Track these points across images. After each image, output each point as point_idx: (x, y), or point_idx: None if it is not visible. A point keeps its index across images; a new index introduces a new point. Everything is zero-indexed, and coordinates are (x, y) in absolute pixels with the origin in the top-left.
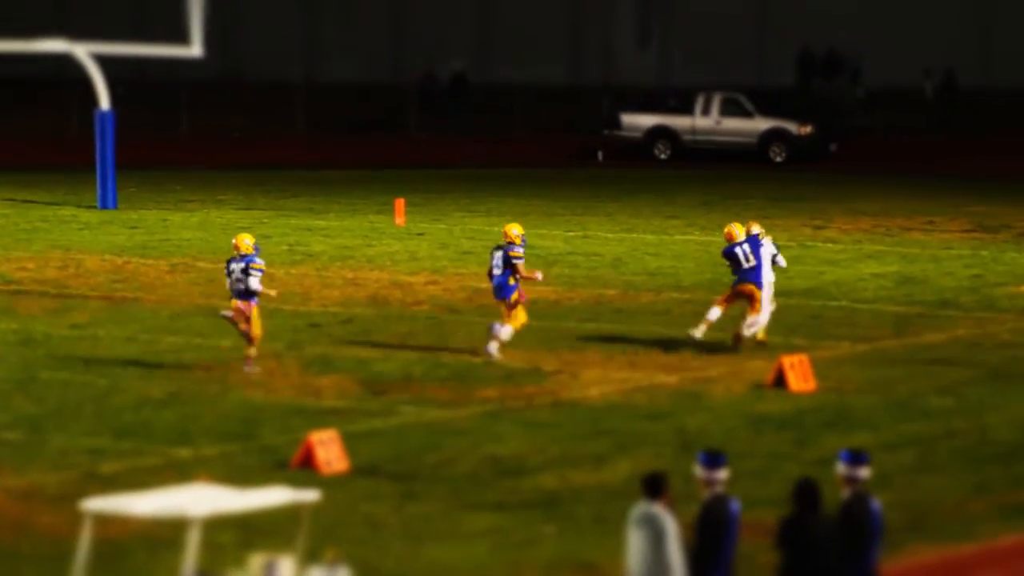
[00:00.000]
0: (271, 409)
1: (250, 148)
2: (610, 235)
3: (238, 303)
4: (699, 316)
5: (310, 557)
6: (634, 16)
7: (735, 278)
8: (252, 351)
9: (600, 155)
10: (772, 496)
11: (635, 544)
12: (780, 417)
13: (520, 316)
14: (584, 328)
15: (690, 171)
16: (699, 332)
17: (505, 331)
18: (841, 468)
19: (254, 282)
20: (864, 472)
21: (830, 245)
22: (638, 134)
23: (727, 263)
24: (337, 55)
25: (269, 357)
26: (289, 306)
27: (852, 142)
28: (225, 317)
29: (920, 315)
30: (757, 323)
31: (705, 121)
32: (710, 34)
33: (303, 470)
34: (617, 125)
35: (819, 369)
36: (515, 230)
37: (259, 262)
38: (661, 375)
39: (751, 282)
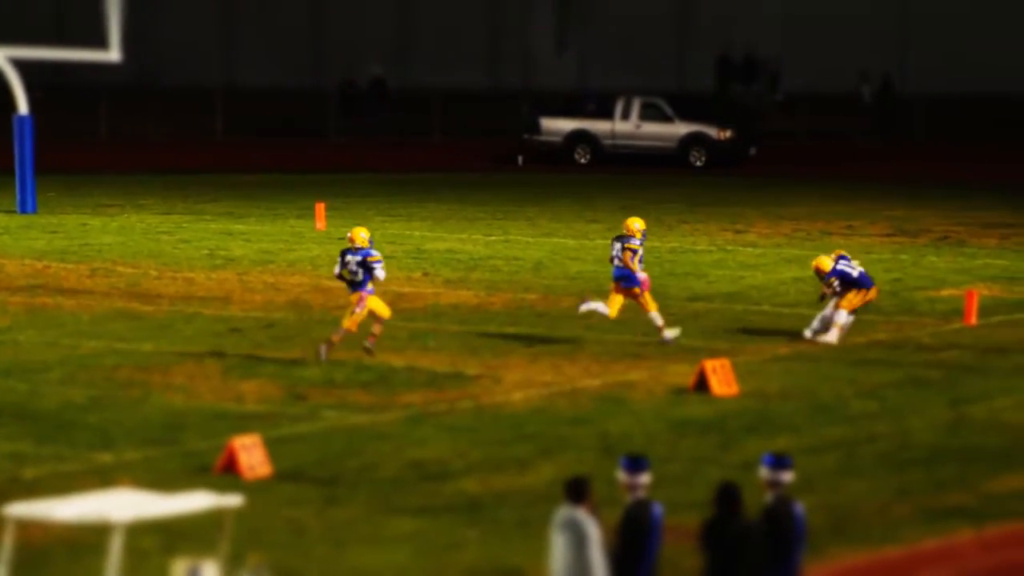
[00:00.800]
0: (193, 414)
1: (170, 152)
2: (531, 239)
3: (352, 296)
4: (620, 321)
5: (233, 562)
6: (553, 21)
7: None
8: (376, 328)
9: (520, 160)
10: (695, 500)
11: (558, 548)
12: (703, 421)
13: (618, 301)
14: (506, 332)
15: (610, 175)
16: (833, 337)
17: (656, 317)
18: (764, 472)
19: (380, 274)
20: (787, 476)
21: (751, 249)
22: (558, 138)
23: (836, 285)
24: (256, 59)
25: (190, 362)
26: (210, 311)
27: (772, 146)
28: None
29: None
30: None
31: (625, 126)
32: (629, 39)
33: (226, 475)
34: (537, 130)
35: (741, 373)
36: (636, 224)
37: (375, 254)
38: (584, 379)
39: (870, 287)
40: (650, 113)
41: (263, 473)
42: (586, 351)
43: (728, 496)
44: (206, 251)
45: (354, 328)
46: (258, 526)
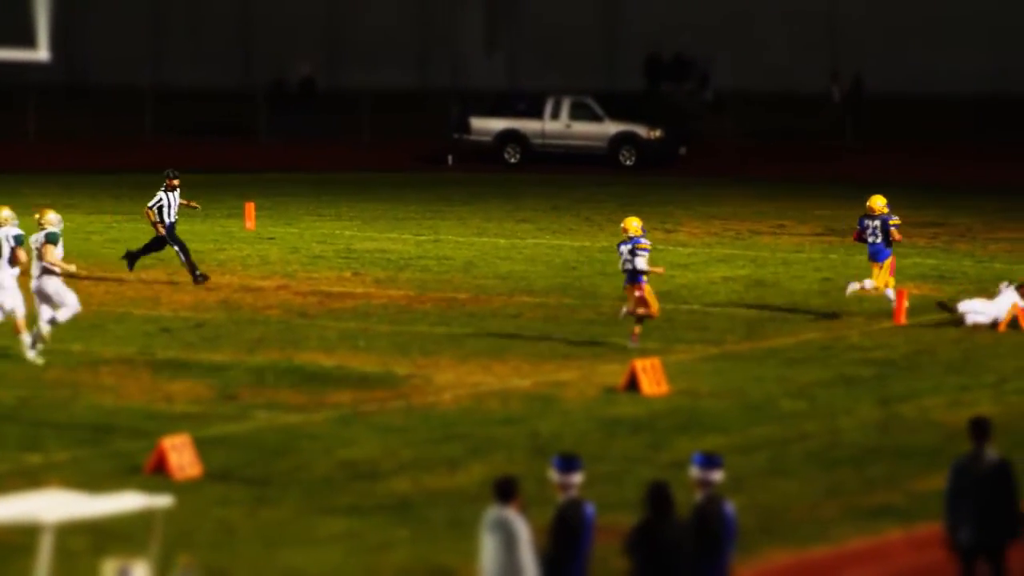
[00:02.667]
0: (123, 414)
1: (99, 152)
2: (461, 239)
3: (628, 287)
4: (551, 320)
5: (163, 562)
6: (483, 20)
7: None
8: (639, 328)
9: (450, 159)
10: (626, 500)
11: (488, 548)
12: (633, 421)
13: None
14: (436, 332)
15: (540, 175)
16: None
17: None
18: (694, 471)
19: (640, 262)
20: (717, 475)
21: (680, 249)
22: (488, 138)
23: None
24: (186, 59)
25: (120, 362)
26: (140, 311)
27: (701, 146)
28: (628, 314)
29: (771, 318)
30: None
31: (555, 125)
32: (559, 38)
33: (156, 475)
34: (467, 129)
35: (671, 373)
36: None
37: (644, 242)
38: (514, 379)
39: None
40: (580, 113)
41: (193, 473)
42: (517, 351)
43: (659, 496)
44: None
45: (656, 311)
46: (188, 526)
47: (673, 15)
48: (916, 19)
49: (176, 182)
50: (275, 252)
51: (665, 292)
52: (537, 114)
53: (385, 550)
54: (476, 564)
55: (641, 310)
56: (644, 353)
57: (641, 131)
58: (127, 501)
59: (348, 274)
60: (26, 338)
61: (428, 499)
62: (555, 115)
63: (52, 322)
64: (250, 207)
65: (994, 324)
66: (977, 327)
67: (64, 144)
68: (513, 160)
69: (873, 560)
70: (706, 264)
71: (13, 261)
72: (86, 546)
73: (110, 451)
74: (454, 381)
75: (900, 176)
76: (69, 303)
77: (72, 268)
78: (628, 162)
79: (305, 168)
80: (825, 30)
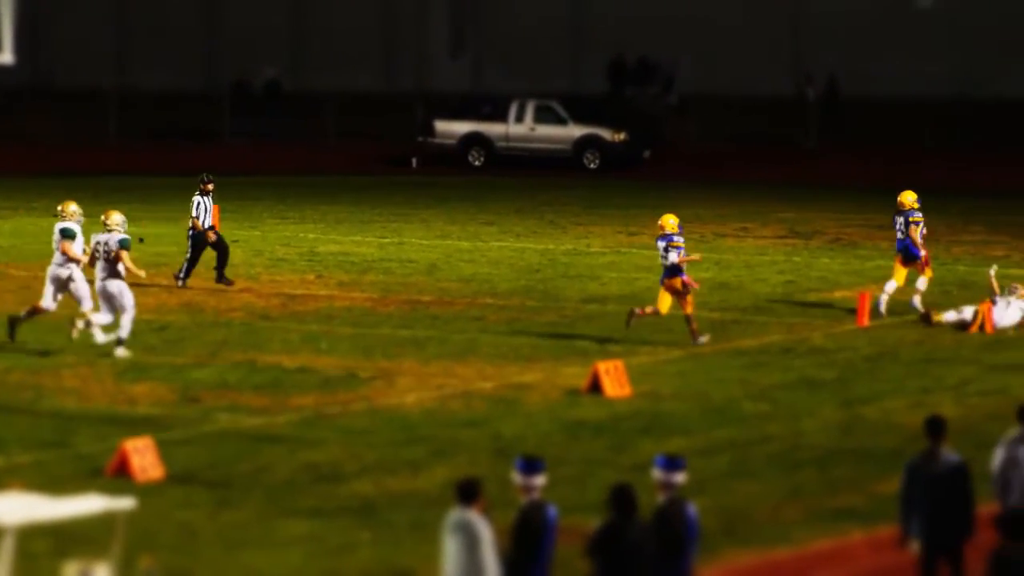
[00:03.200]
0: (85, 417)
1: (63, 154)
2: (425, 242)
3: (667, 281)
4: (514, 323)
5: (125, 565)
6: (448, 23)
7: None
8: (696, 326)
9: (414, 162)
10: (589, 502)
11: (450, 550)
12: (596, 423)
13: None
14: (399, 335)
15: (504, 178)
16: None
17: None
18: (657, 474)
19: (673, 256)
20: (680, 477)
21: (644, 252)
22: (452, 141)
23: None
24: (150, 61)
25: (83, 365)
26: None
27: (665, 149)
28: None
29: (734, 321)
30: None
31: (519, 128)
32: (524, 42)
33: (118, 478)
34: (431, 132)
35: (634, 375)
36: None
37: (677, 239)
38: (477, 381)
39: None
40: (544, 116)
41: (155, 476)
42: (480, 353)
43: (622, 498)
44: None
45: (691, 309)
46: (150, 529)
47: (638, 19)
48: (879, 22)
49: (211, 187)
50: (239, 255)
51: (628, 294)
52: (501, 117)
53: (347, 552)
54: (438, 566)
55: (690, 309)
56: (607, 355)
57: (605, 134)
58: (89, 504)
59: (312, 277)
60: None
61: (391, 501)
62: (519, 118)
63: (89, 324)
64: (214, 210)
65: (963, 325)
66: (942, 325)
67: (28, 147)
68: (477, 163)
69: (835, 562)
70: None
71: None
72: (47, 549)
73: (72, 454)
74: (417, 383)
75: (863, 178)
76: (128, 304)
77: (142, 274)
78: (592, 165)
79: (269, 171)
80: (789, 33)
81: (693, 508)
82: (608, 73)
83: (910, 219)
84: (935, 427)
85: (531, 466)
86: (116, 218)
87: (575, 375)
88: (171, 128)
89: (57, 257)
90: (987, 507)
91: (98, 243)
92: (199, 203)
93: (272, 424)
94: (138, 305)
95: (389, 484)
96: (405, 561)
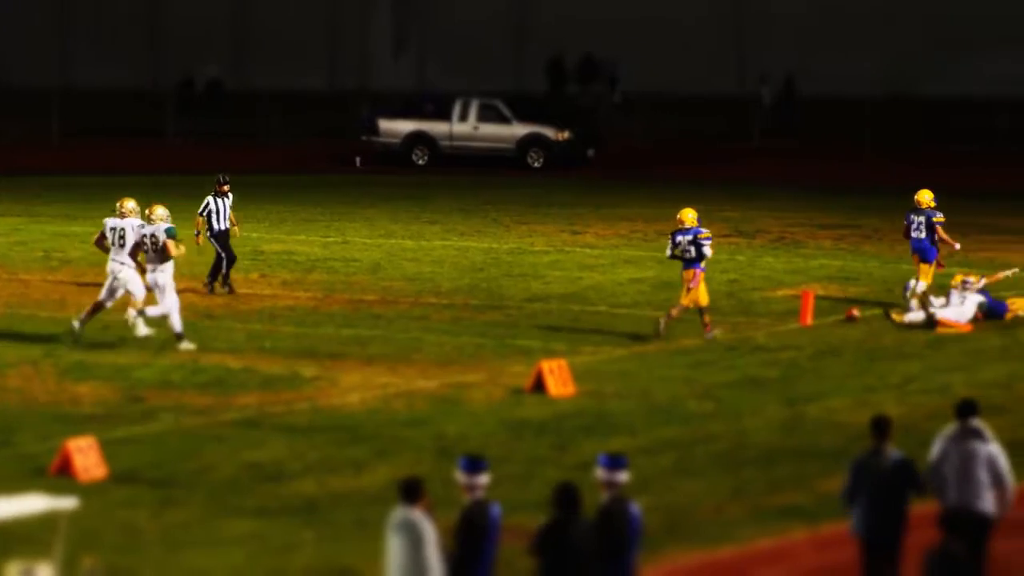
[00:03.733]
0: (28, 416)
1: (5, 154)
2: (368, 241)
3: (686, 271)
4: (458, 322)
5: (68, 565)
6: (391, 22)
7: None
8: (676, 314)
9: (358, 161)
10: (533, 500)
11: (394, 549)
12: (539, 422)
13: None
14: (343, 334)
15: (448, 177)
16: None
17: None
18: (600, 472)
19: (707, 250)
20: (622, 476)
21: (588, 250)
22: (396, 140)
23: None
24: (93, 60)
25: (26, 364)
26: (45, 312)
27: (609, 148)
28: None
29: (678, 320)
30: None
31: (463, 127)
32: (467, 40)
33: (61, 477)
34: (375, 131)
35: (578, 374)
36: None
37: (705, 232)
38: (420, 381)
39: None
40: (488, 114)
41: (98, 475)
42: (423, 352)
43: (566, 496)
44: (41, 253)
45: (691, 304)
46: (93, 528)
47: (582, 17)
48: (818, 22)
49: (226, 188)
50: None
51: (572, 293)
52: (445, 116)
53: (290, 552)
54: (382, 565)
55: (685, 301)
56: (551, 354)
57: (549, 133)
58: (31, 503)
59: (255, 276)
60: (142, 330)
61: (334, 500)
62: (463, 117)
63: (142, 314)
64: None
65: (930, 324)
66: (912, 325)
67: None
68: (421, 162)
69: (779, 560)
70: (613, 266)
71: (164, 255)
72: None
73: (15, 453)
74: (360, 383)
75: (806, 177)
76: (168, 302)
77: (182, 251)
78: (536, 164)
79: (212, 170)
80: (732, 32)
81: (636, 507)
82: (546, 72)
83: (933, 219)
84: (880, 426)
85: (474, 465)
86: (160, 212)
87: (518, 374)
88: (114, 127)
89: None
90: (924, 507)
91: (144, 236)
92: (208, 203)
93: (215, 423)
94: (82, 305)
95: (332, 483)
96: (348, 560)
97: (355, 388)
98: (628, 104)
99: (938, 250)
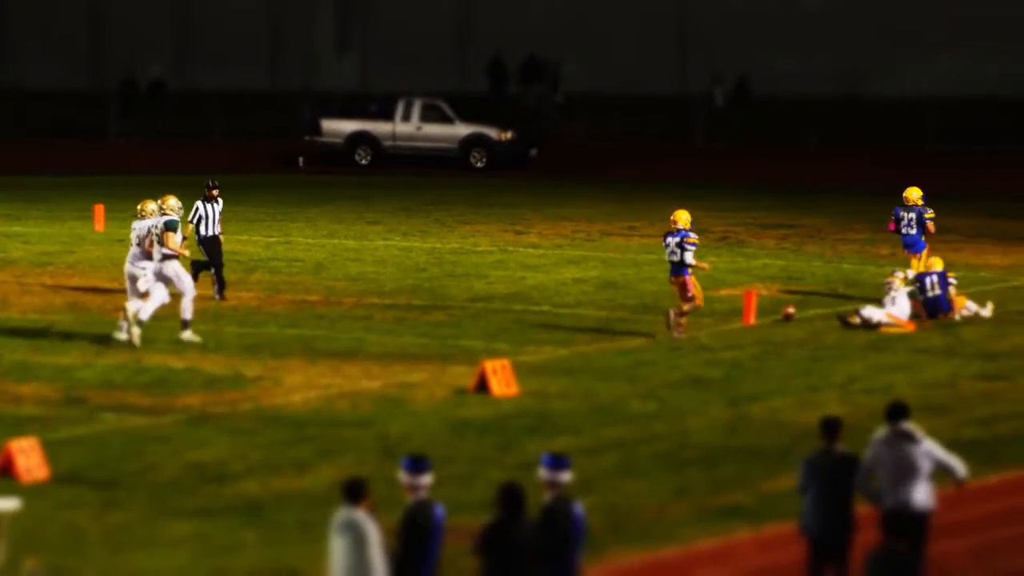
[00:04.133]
0: None
1: None
2: (311, 241)
3: (673, 279)
4: (401, 322)
5: (10, 566)
6: (334, 22)
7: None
8: (684, 320)
9: (301, 161)
10: (476, 500)
11: (337, 550)
12: (483, 422)
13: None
14: (286, 334)
15: (391, 177)
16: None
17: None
18: (542, 472)
19: (688, 256)
20: (565, 476)
21: (531, 250)
22: (339, 140)
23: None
24: (34, 60)
25: None
26: None
27: (552, 148)
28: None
29: (621, 319)
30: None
31: (406, 127)
32: (410, 40)
33: (2, 478)
34: (318, 131)
35: (521, 374)
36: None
37: (693, 236)
38: (364, 381)
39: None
40: (431, 114)
41: (40, 476)
42: (366, 353)
43: (510, 496)
44: None
45: (701, 302)
46: (35, 529)
47: (526, 17)
48: (763, 21)
49: (216, 192)
50: (124, 254)
51: (515, 293)
52: (388, 116)
53: (234, 552)
54: (325, 566)
55: (687, 306)
56: (494, 354)
57: (492, 133)
58: None
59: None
60: (187, 335)
61: (277, 501)
62: (406, 117)
63: (141, 324)
64: (100, 209)
65: (877, 324)
66: (868, 324)
67: None
68: (364, 162)
69: (722, 560)
70: (557, 265)
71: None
72: None
73: None
74: (304, 383)
75: (749, 177)
76: (187, 288)
77: (187, 252)
78: (479, 164)
79: (155, 170)
80: (676, 33)
81: (579, 507)
82: (487, 72)
83: (925, 215)
84: (830, 427)
85: (417, 465)
86: (172, 203)
87: (462, 374)
88: (56, 127)
89: (155, 253)
90: (868, 507)
91: (150, 228)
92: (197, 208)
93: (158, 424)
94: (24, 305)
95: (275, 484)
96: (292, 561)
97: (298, 388)
98: (570, 104)
99: (926, 244)
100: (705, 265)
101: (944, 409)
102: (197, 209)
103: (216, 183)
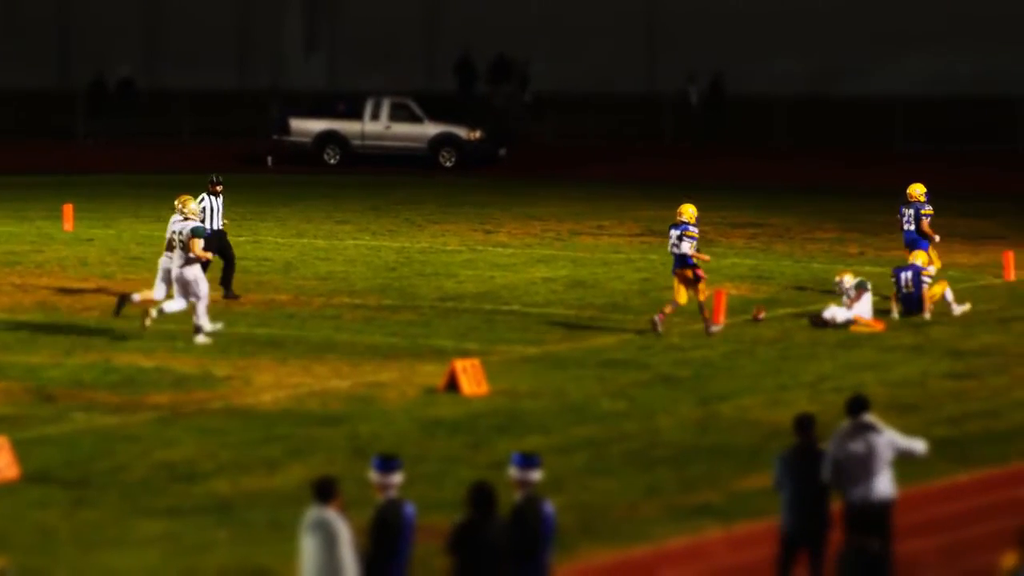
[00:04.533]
0: None
1: None
2: (280, 240)
3: (678, 271)
4: (371, 321)
5: None
6: (302, 22)
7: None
8: (668, 308)
9: (270, 160)
10: (446, 500)
11: (308, 549)
12: (453, 421)
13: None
14: (256, 333)
15: (360, 176)
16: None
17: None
18: (513, 472)
19: (685, 246)
20: (535, 475)
21: (500, 249)
22: (307, 139)
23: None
24: (3, 60)
25: None
26: None
27: (521, 147)
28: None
29: (591, 318)
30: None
31: (375, 126)
32: (379, 39)
33: None
34: (286, 130)
35: (491, 373)
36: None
37: (692, 230)
38: (334, 380)
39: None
40: (400, 114)
41: (10, 475)
42: (337, 352)
43: (481, 495)
44: None
45: (703, 296)
46: (5, 528)
47: (495, 17)
48: (732, 21)
49: (219, 188)
50: (93, 254)
51: (484, 292)
52: (357, 115)
53: (204, 551)
54: (296, 565)
55: (702, 297)
56: (464, 353)
57: (461, 132)
58: None
59: None
60: (206, 324)
61: (247, 500)
62: (375, 116)
63: (161, 313)
64: (68, 209)
65: (845, 324)
66: (833, 324)
67: None
68: (333, 161)
69: (693, 559)
70: (526, 265)
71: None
72: None
73: None
74: (274, 382)
75: (718, 176)
76: (202, 293)
77: (209, 256)
78: (448, 163)
79: (124, 169)
80: (646, 32)
81: (550, 505)
82: (455, 71)
83: (921, 212)
84: (803, 424)
85: (387, 464)
86: (192, 206)
87: (432, 373)
88: (25, 126)
89: (178, 257)
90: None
91: (174, 232)
92: (203, 199)
93: (128, 423)
94: None
95: (246, 483)
96: (262, 560)
97: (268, 387)
98: (539, 103)
99: (929, 243)
100: (706, 256)
101: (914, 408)
102: (202, 200)
103: (220, 178)
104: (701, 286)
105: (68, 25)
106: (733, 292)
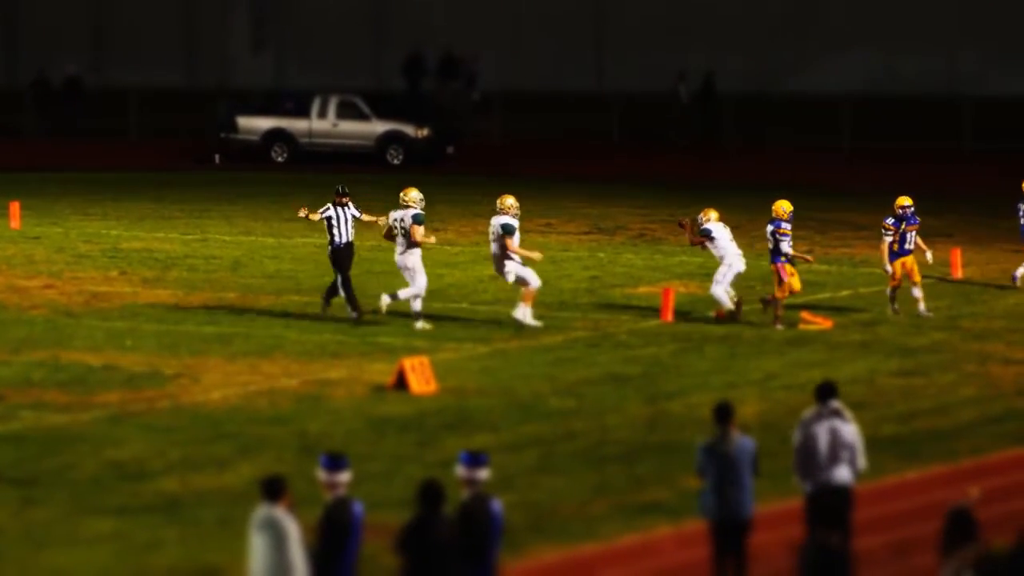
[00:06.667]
0: None
1: None
2: (228, 238)
3: (773, 265)
4: (319, 320)
5: None
6: (249, 19)
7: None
8: (780, 312)
9: (217, 158)
10: (395, 498)
11: (257, 547)
12: (402, 419)
13: (793, 283)
14: (204, 332)
15: (308, 174)
16: None
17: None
18: (460, 470)
19: (784, 246)
20: (483, 473)
21: (448, 248)
22: (255, 137)
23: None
24: None
25: None
26: None
27: (468, 145)
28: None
29: (539, 316)
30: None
31: (322, 124)
32: (326, 37)
33: None
34: (234, 128)
35: (440, 371)
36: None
37: (785, 227)
38: (282, 378)
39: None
40: (347, 112)
41: None
42: (285, 350)
43: (431, 493)
44: None
45: (784, 295)
46: None
47: (442, 15)
48: (692, 20)
49: (347, 199)
50: (41, 251)
51: (433, 291)
52: (304, 113)
53: (153, 550)
54: (245, 563)
55: (779, 293)
56: (412, 351)
57: (409, 130)
58: None
59: (115, 273)
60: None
61: (197, 499)
62: (322, 114)
63: (395, 298)
64: (15, 206)
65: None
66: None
67: None
68: (280, 159)
69: (642, 556)
70: (474, 263)
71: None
72: None
73: None
74: (222, 380)
75: (666, 174)
76: (419, 284)
77: (433, 240)
78: (396, 161)
79: (71, 167)
80: (592, 30)
81: (498, 503)
82: (403, 69)
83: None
84: (722, 412)
85: (335, 462)
86: (413, 194)
87: (380, 371)
88: None
89: (400, 245)
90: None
91: (395, 220)
92: (333, 217)
93: (77, 422)
94: None
95: (195, 481)
96: (212, 558)
97: (217, 386)
98: (486, 101)
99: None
100: (810, 257)
101: (862, 405)
102: (327, 210)
103: (346, 189)
104: (786, 282)
105: (13, 22)
106: (681, 290)
